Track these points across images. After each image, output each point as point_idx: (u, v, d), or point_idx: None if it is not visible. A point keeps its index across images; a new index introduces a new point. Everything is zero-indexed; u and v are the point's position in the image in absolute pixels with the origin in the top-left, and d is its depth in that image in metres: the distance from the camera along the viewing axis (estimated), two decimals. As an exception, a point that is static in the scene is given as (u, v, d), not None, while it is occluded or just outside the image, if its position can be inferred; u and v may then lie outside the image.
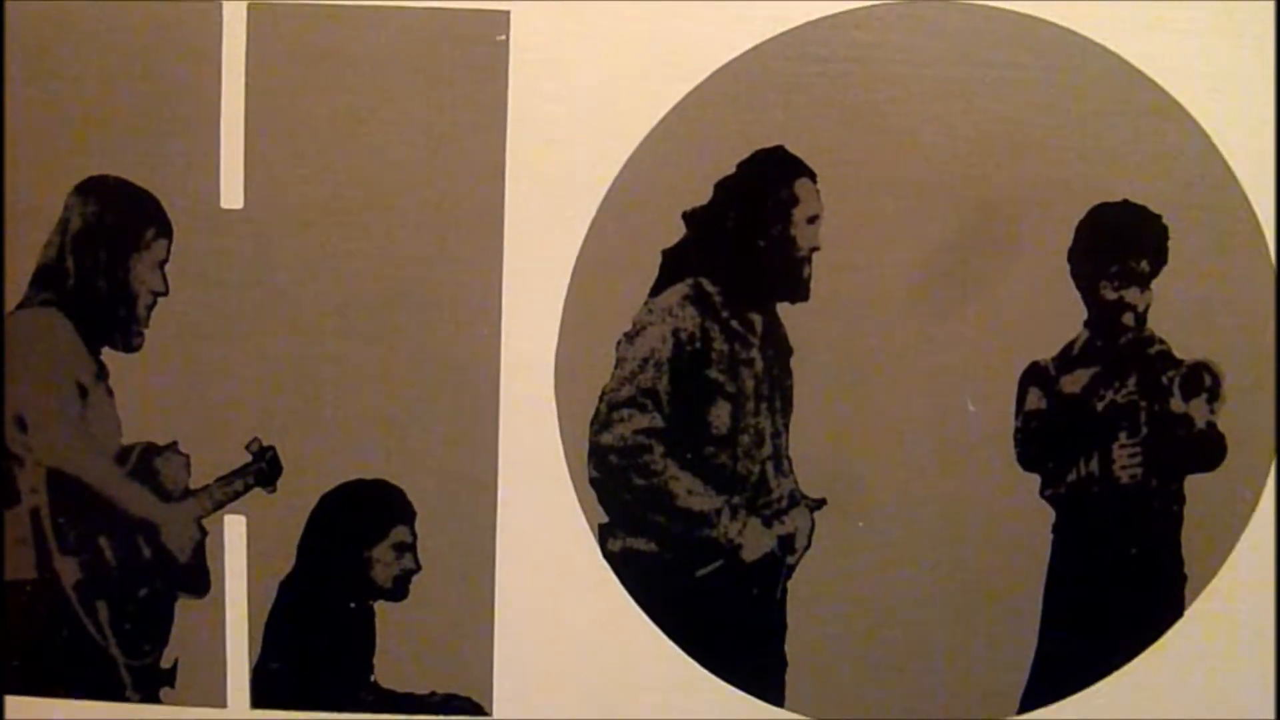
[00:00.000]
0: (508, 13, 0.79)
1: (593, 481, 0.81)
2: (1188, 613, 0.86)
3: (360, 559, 0.82)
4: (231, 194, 0.80)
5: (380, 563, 0.82)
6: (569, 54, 0.79)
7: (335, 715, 0.84)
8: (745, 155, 0.80)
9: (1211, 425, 0.84)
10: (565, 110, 0.79)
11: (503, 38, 0.79)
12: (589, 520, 0.82)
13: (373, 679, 0.83)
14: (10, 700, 0.83)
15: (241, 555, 0.82)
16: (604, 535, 0.82)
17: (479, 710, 0.84)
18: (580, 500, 0.82)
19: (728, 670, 0.84)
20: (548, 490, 0.82)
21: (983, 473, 0.83)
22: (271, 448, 0.81)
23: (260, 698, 0.84)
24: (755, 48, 0.79)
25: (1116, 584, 0.85)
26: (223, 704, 0.84)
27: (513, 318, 0.80)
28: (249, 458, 0.81)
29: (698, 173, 0.80)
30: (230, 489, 0.81)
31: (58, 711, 0.83)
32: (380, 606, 0.83)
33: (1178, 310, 0.83)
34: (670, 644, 0.83)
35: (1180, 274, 0.83)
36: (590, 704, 0.84)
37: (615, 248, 0.80)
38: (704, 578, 0.83)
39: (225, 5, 0.79)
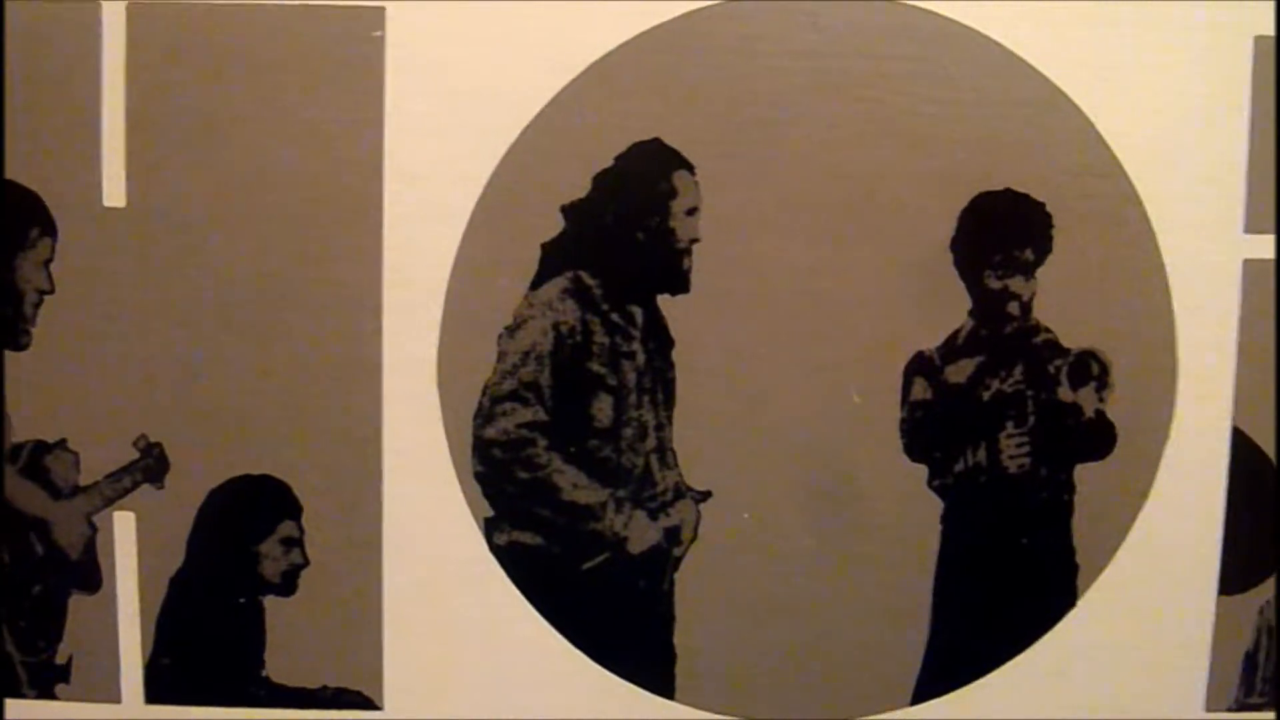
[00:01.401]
0: (383, 9, 0.79)
1: (477, 475, 0.82)
2: (1080, 602, 0.86)
3: (248, 554, 0.83)
4: (114, 192, 0.80)
5: (268, 558, 0.83)
6: (445, 49, 0.79)
7: (228, 710, 0.84)
8: (623, 148, 0.80)
9: (1100, 414, 0.84)
10: (442, 105, 0.80)
11: (379, 34, 0.79)
12: (474, 514, 0.83)
13: (264, 674, 0.84)
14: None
15: (132, 551, 0.83)
16: (490, 529, 0.83)
17: (370, 704, 0.84)
18: (465, 494, 0.82)
19: (617, 663, 0.84)
20: (433, 485, 0.82)
21: (869, 463, 0.83)
22: (158, 444, 0.82)
23: (154, 693, 0.85)
24: (631, 40, 0.80)
25: (1008, 574, 0.85)
26: (117, 699, 0.84)
27: (394, 313, 0.81)
28: (137, 454, 0.82)
29: (575, 166, 0.80)
30: (119, 485, 0.82)
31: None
32: (270, 601, 0.84)
33: (1064, 299, 0.83)
34: (559, 637, 0.84)
35: (1066, 262, 0.83)
36: (480, 697, 0.84)
37: (494, 242, 0.80)
38: (590, 571, 0.83)
39: (104, 5, 0.79)
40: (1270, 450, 0.86)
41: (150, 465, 0.82)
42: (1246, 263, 0.85)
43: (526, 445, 0.82)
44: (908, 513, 0.84)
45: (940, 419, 0.84)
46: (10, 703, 0.84)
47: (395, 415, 0.82)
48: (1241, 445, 0.86)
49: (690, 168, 0.81)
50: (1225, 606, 0.87)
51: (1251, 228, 0.84)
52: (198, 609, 0.84)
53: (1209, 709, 0.88)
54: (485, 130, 0.80)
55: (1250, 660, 0.88)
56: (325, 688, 0.85)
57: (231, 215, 0.81)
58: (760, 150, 0.81)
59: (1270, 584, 0.88)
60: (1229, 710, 0.88)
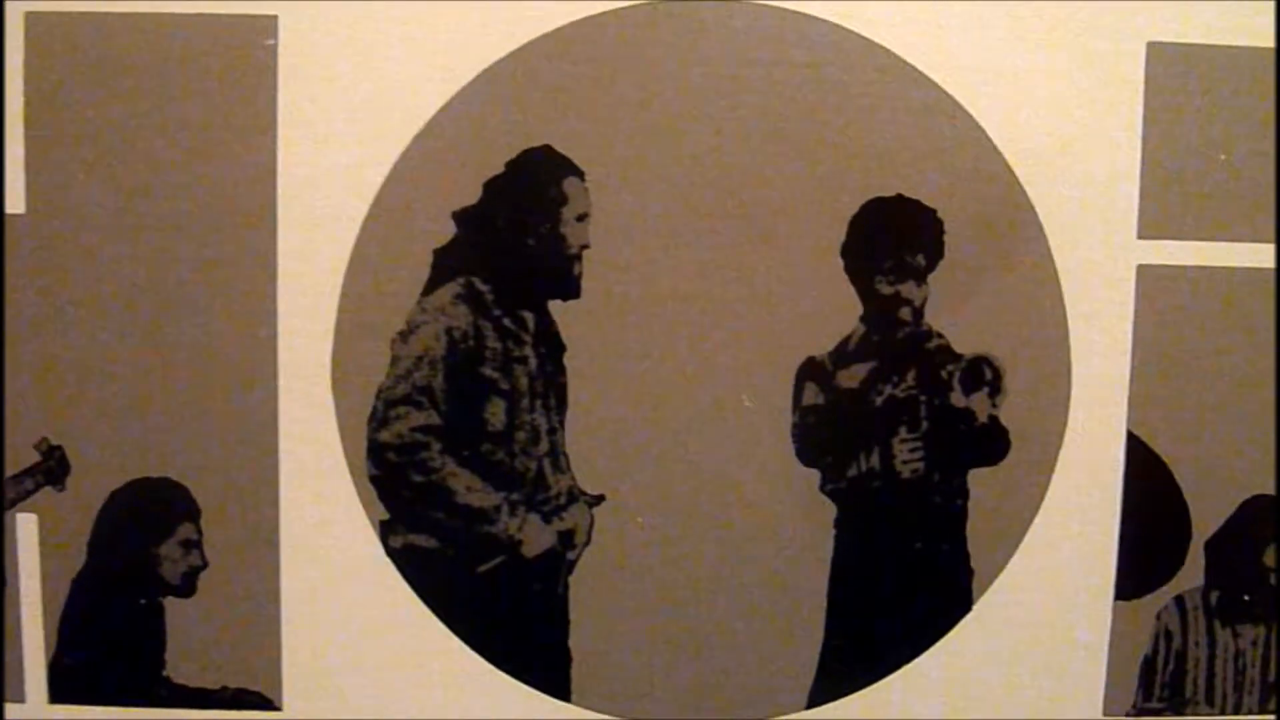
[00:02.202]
0: (276, 17, 0.80)
1: (373, 479, 0.83)
2: (975, 607, 0.86)
3: (148, 556, 0.84)
4: (14, 198, 0.81)
5: (168, 559, 0.84)
6: (337, 57, 0.80)
7: (130, 710, 0.85)
8: (513, 155, 0.81)
9: (994, 419, 0.84)
10: (334, 113, 0.81)
11: (271, 42, 0.80)
12: (370, 517, 0.83)
13: (165, 674, 0.85)
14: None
15: (34, 552, 0.84)
16: (385, 532, 0.83)
17: (269, 705, 0.85)
18: (361, 497, 0.83)
19: (513, 665, 0.85)
20: (329, 488, 0.83)
21: (762, 468, 0.84)
22: (59, 447, 0.83)
23: (58, 692, 0.86)
24: (521, 48, 0.80)
25: (902, 579, 0.85)
26: (21, 699, 0.85)
27: (289, 318, 0.82)
28: (38, 457, 0.83)
29: (467, 172, 0.81)
30: (20, 488, 0.83)
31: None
32: (170, 603, 0.85)
33: (956, 304, 0.84)
34: (456, 640, 0.85)
35: (958, 268, 0.83)
36: (379, 699, 0.85)
37: (387, 248, 0.81)
38: (486, 574, 0.84)
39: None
40: (1163, 453, 0.86)
41: (52, 467, 0.83)
42: (1140, 268, 0.85)
43: (421, 449, 0.83)
44: (801, 517, 0.85)
45: (832, 424, 0.84)
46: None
47: (291, 419, 0.83)
48: (1136, 450, 0.86)
49: (580, 174, 0.81)
50: (1122, 611, 0.88)
51: (1145, 233, 0.85)
52: (99, 610, 0.85)
53: (1107, 714, 0.88)
54: (377, 137, 0.81)
55: (1148, 665, 0.88)
56: (225, 688, 0.86)
57: (129, 221, 0.82)
58: (650, 156, 0.82)
59: (1167, 589, 0.88)
60: (1127, 715, 0.89)
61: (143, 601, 0.85)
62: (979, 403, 0.85)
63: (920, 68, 0.82)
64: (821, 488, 0.85)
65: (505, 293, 0.82)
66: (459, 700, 0.86)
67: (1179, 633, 0.88)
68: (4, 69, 0.80)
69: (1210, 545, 0.88)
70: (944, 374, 0.85)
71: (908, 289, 0.84)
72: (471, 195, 0.82)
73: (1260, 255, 0.86)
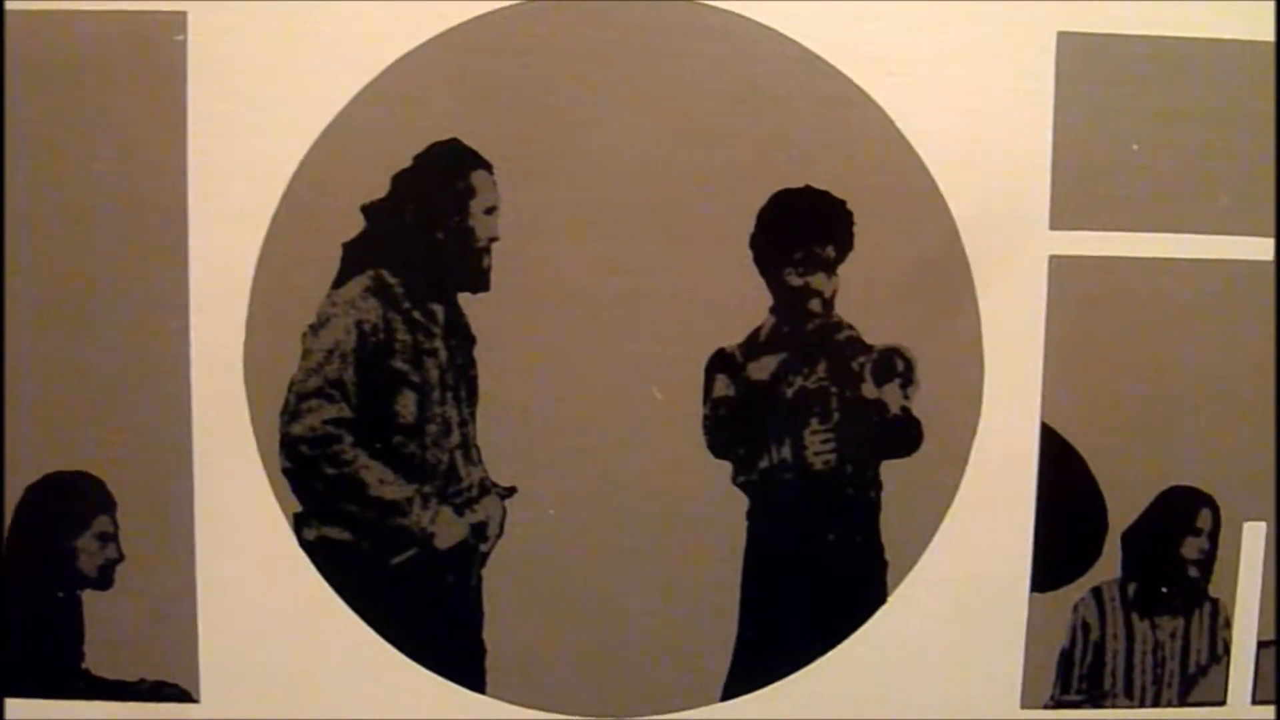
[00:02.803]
0: (185, 13, 0.80)
1: (285, 471, 0.83)
2: (890, 599, 0.86)
3: (65, 549, 0.84)
4: (-71, 194, 0.82)
5: (84, 552, 0.84)
6: (245, 52, 0.81)
7: (49, 702, 0.86)
8: (421, 148, 0.81)
9: (906, 410, 0.84)
10: (243, 107, 0.81)
11: (181, 38, 0.80)
12: (284, 509, 0.84)
13: (84, 666, 0.85)
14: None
15: (-48, 546, 0.84)
16: (299, 524, 0.84)
17: (187, 697, 0.85)
18: (274, 490, 0.83)
19: (429, 658, 0.85)
20: (242, 480, 0.84)
21: (672, 460, 0.84)
22: (-24, 441, 0.83)
23: (-22, 685, 0.86)
24: (429, 41, 0.81)
25: (816, 571, 0.85)
26: (-58, 691, 0.86)
27: (200, 312, 0.82)
28: (-45, 451, 0.83)
29: (375, 166, 0.81)
30: (-62, 482, 0.83)
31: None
32: (87, 595, 0.85)
33: (867, 295, 0.84)
34: (371, 632, 0.85)
35: (867, 259, 0.84)
36: (294, 690, 0.86)
37: (297, 242, 0.82)
38: (399, 566, 0.84)
39: (-83, 11, 0.81)
40: (1078, 444, 0.86)
41: (-32, 462, 0.84)
42: (1052, 259, 0.85)
43: (333, 441, 0.83)
44: (713, 509, 0.85)
45: (743, 416, 0.84)
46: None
47: (204, 413, 0.83)
48: (1050, 441, 0.86)
49: (488, 167, 0.82)
50: (1038, 604, 0.88)
51: (1057, 224, 0.85)
52: (17, 603, 0.86)
53: (1024, 707, 0.88)
54: (286, 131, 0.81)
55: (1066, 658, 0.88)
56: (144, 680, 0.86)
57: (41, 217, 0.83)
58: (559, 149, 0.82)
59: (1084, 581, 0.88)
60: (1045, 708, 0.88)
61: (60, 594, 0.86)
62: (891, 394, 0.85)
63: (828, 59, 0.82)
64: (733, 480, 0.85)
65: (414, 286, 0.83)
66: (374, 693, 0.86)
67: (1096, 625, 0.88)
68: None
69: (1127, 537, 0.88)
70: (855, 365, 0.85)
71: (817, 280, 0.84)
72: (380, 189, 0.82)
73: (1172, 245, 0.86)
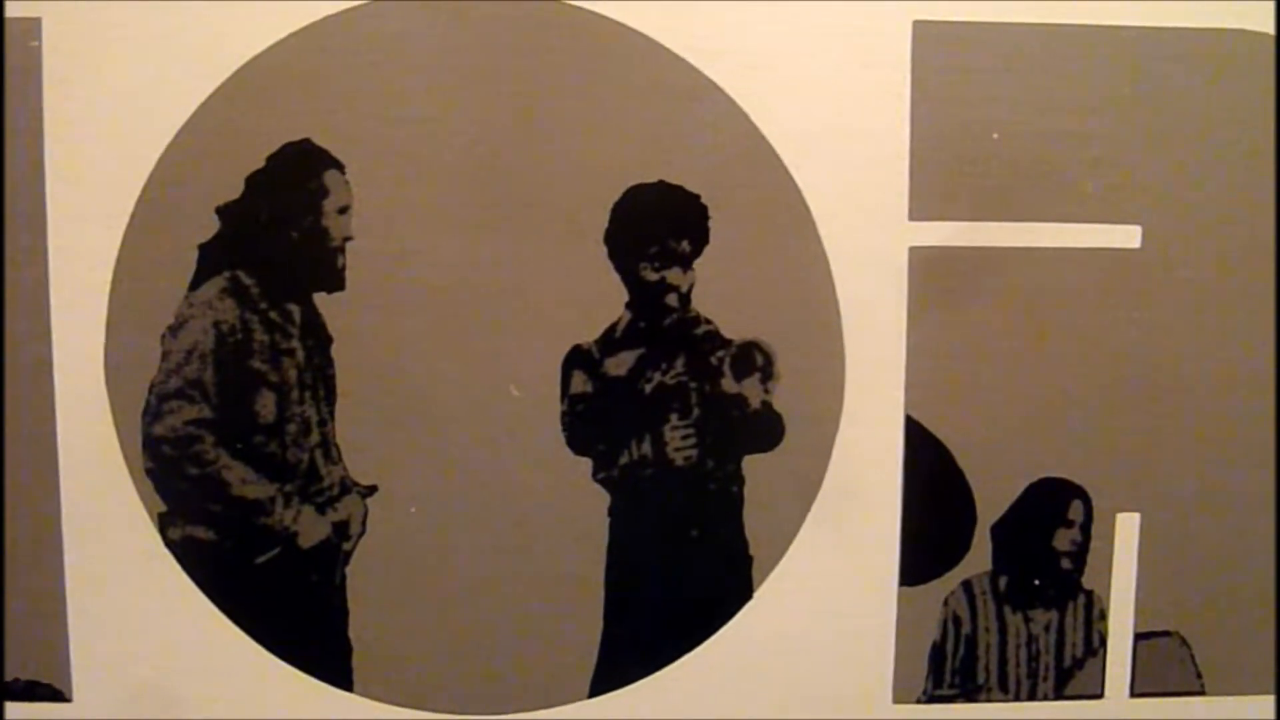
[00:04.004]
0: (39, 19, 0.81)
1: (149, 472, 0.84)
2: (756, 594, 0.86)
3: (-64, 551, 0.85)
4: None
5: (-45, 554, 0.85)
6: (100, 58, 0.82)
7: (-74, 702, 0.87)
8: (274, 149, 0.81)
9: (767, 404, 0.84)
10: (99, 111, 0.82)
11: (36, 43, 0.81)
12: (148, 510, 0.84)
13: (-42, 667, 0.86)
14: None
15: None
16: (164, 524, 0.85)
17: (60, 696, 0.86)
18: (139, 490, 0.84)
19: (295, 656, 0.86)
20: (107, 481, 0.85)
21: (532, 457, 0.84)
22: None
23: None
24: (281, 42, 0.81)
25: (681, 567, 0.85)
26: None
27: (61, 313, 0.83)
28: None
29: (228, 168, 0.82)
30: None
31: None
32: (-40, 597, 0.86)
33: (724, 290, 0.84)
34: (238, 631, 0.85)
35: (724, 253, 0.83)
36: (164, 689, 0.87)
37: (154, 243, 0.83)
38: (264, 565, 0.84)
39: None
40: (943, 436, 0.85)
41: None
42: (912, 250, 0.84)
43: (194, 442, 0.84)
44: (574, 506, 0.85)
45: (602, 412, 0.84)
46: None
47: (67, 414, 0.84)
48: (915, 434, 0.86)
49: (340, 167, 0.82)
50: (908, 598, 0.87)
51: (916, 215, 0.84)
52: (-109, 604, 0.87)
53: (897, 701, 0.88)
54: (141, 134, 0.82)
55: (938, 652, 0.88)
56: (17, 680, 0.87)
57: (-96, 222, 0.83)
58: (411, 148, 0.82)
59: (954, 575, 0.87)
60: (918, 703, 0.88)
61: (-67, 596, 0.87)
62: (751, 388, 0.85)
63: (679, 53, 0.82)
64: (593, 476, 0.85)
65: (270, 286, 0.83)
66: (243, 691, 0.87)
67: (968, 618, 0.88)
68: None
69: (997, 530, 0.87)
70: (714, 360, 0.84)
71: (673, 275, 0.84)
72: (234, 190, 0.82)
73: (1035, 234, 0.85)
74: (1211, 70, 0.85)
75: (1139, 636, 0.89)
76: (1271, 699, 0.90)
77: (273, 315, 0.84)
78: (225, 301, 0.83)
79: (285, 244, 0.83)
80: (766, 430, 0.85)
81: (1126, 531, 0.88)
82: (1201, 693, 0.90)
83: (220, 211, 0.83)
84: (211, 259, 0.83)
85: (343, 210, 0.83)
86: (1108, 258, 0.86)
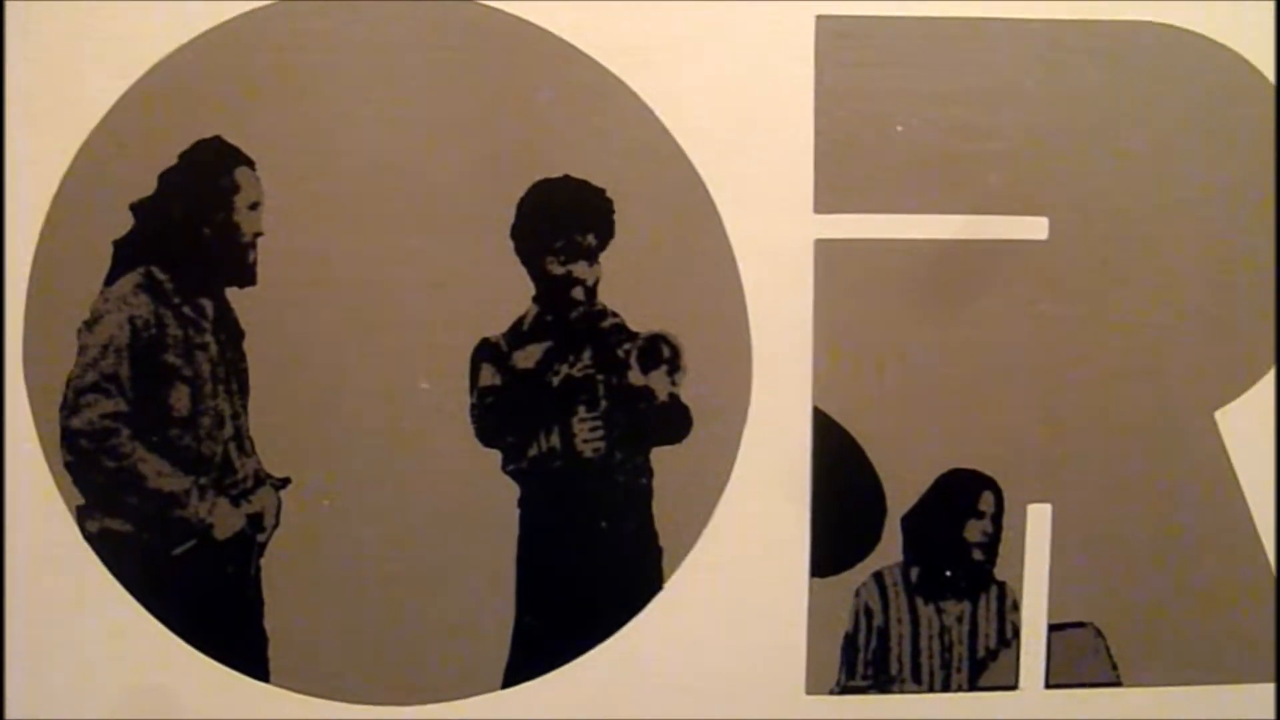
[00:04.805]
0: (-47, 17, 0.83)
1: (67, 465, 0.85)
2: (667, 586, 0.86)
3: None
4: None
5: (-120, 547, 0.86)
6: (14, 55, 0.83)
7: None
8: (186, 146, 0.83)
9: (674, 397, 0.85)
10: (14, 109, 0.84)
11: (-50, 43, 0.83)
12: (67, 502, 0.85)
13: (-117, 659, 0.88)
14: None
15: None
16: (82, 517, 0.86)
17: (-17, 688, 0.87)
18: (57, 483, 0.85)
19: (212, 647, 0.87)
20: (26, 474, 0.86)
21: (442, 450, 0.85)
22: None
23: None
24: (192, 41, 0.82)
25: (591, 558, 0.86)
26: None
27: (-20, 310, 0.84)
28: None
29: (142, 165, 0.84)
30: None
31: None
32: (-115, 590, 0.87)
33: (630, 283, 0.84)
34: (156, 623, 0.87)
35: (630, 246, 0.84)
36: (85, 681, 0.88)
37: (69, 239, 0.84)
38: (180, 557, 0.86)
39: None
40: (851, 428, 0.86)
41: None
42: (818, 243, 0.85)
43: (111, 435, 0.85)
44: (484, 498, 0.86)
45: (510, 405, 0.85)
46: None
47: (-13, 408, 0.85)
48: (823, 425, 0.86)
49: (251, 163, 0.83)
50: (819, 589, 0.88)
51: (821, 208, 0.85)
52: None
53: (810, 693, 0.88)
54: (56, 132, 0.84)
55: (850, 643, 0.88)
56: (-65, 671, 0.88)
57: None
58: (321, 144, 0.84)
59: (865, 566, 0.88)
60: (831, 694, 0.88)
61: None
62: (658, 381, 0.85)
63: (582, 48, 0.83)
64: (503, 468, 0.86)
65: (183, 281, 0.85)
66: (160, 681, 0.88)
67: (880, 610, 0.88)
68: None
69: (907, 521, 0.87)
70: (621, 353, 0.85)
71: (579, 269, 0.85)
72: (147, 187, 0.84)
73: (940, 226, 0.85)
74: (1116, 62, 0.86)
75: (1053, 628, 0.89)
76: (1181, 690, 0.90)
77: (186, 310, 0.85)
78: (140, 297, 0.85)
79: (198, 240, 0.85)
80: (674, 422, 0.86)
81: (1038, 522, 0.88)
82: (1118, 684, 0.90)
83: (134, 208, 0.84)
84: (126, 255, 0.85)
85: (253, 206, 0.84)
86: (1015, 250, 0.86)
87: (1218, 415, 0.88)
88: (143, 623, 0.88)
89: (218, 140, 0.84)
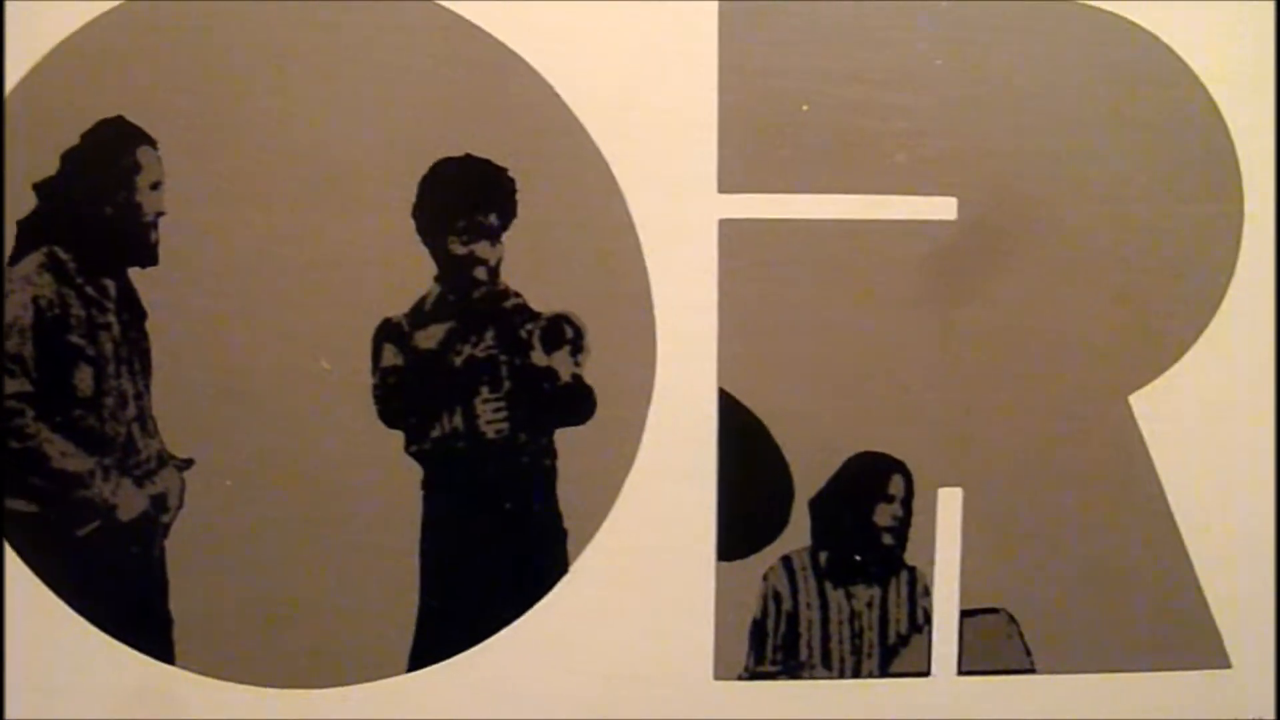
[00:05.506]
0: None
1: (-28, 446, 0.85)
2: (572, 569, 0.86)
3: None
4: None
5: None
6: (-81, 36, 0.83)
7: None
8: (87, 126, 0.83)
9: (578, 378, 0.84)
10: (-82, 90, 0.83)
11: None
12: (-27, 483, 0.85)
13: None
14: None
15: None
16: (-12, 498, 0.85)
17: (-109, 671, 0.87)
18: (-37, 464, 0.85)
19: (117, 629, 0.86)
20: (-67, 455, 0.85)
21: (345, 431, 0.85)
22: None
23: None
24: (92, 22, 0.83)
25: (496, 540, 0.86)
26: None
27: (-114, 290, 0.84)
28: None
29: (44, 145, 0.84)
30: None
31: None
32: None
33: (533, 263, 0.84)
34: (62, 604, 0.86)
35: (532, 226, 0.84)
36: (-8, 662, 0.87)
37: (-27, 220, 0.83)
38: (85, 538, 0.85)
39: None
40: (758, 410, 0.85)
41: None
42: (723, 222, 0.84)
43: (15, 416, 0.85)
44: (387, 479, 0.86)
45: (412, 385, 0.85)
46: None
47: (-106, 389, 0.85)
48: (729, 407, 0.85)
49: (153, 143, 0.83)
50: (726, 573, 0.87)
51: (726, 187, 0.84)
52: None
53: (718, 678, 0.87)
54: (-40, 113, 0.83)
55: (759, 628, 0.87)
56: None
57: None
58: (222, 124, 0.84)
59: (772, 549, 0.87)
60: (740, 679, 0.88)
61: None
62: (561, 361, 0.85)
63: (485, 27, 0.83)
64: (406, 449, 0.86)
65: (86, 261, 0.85)
66: (65, 663, 0.88)
67: (788, 594, 0.87)
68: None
69: (815, 504, 0.87)
70: (523, 333, 0.85)
71: (481, 249, 0.84)
72: (50, 167, 0.84)
73: (847, 206, 0.85)
74: (1027, 42, 0.85)
75: (965, 613, 0.88)
76: (1097, 677, 0.88)
77: (89, 290, 0.85)
78: (43, 277, 0.85)
79: (100, 219, 0.85)
80: (578, 403, 0.85)
81: (949, 507, 0.87)
82: (1031, 671, 0.89)
83: (37, 188, 0.84)
84: (29, 235, 0.85)
85: (155, 186, 0.84)
86: (924, 230, 0.85)
87: (1133, 399, 0.87)
88: (48, 603, 0.87)
89: (120, 120, 0.84)
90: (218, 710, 0.87)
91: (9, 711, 0.87)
